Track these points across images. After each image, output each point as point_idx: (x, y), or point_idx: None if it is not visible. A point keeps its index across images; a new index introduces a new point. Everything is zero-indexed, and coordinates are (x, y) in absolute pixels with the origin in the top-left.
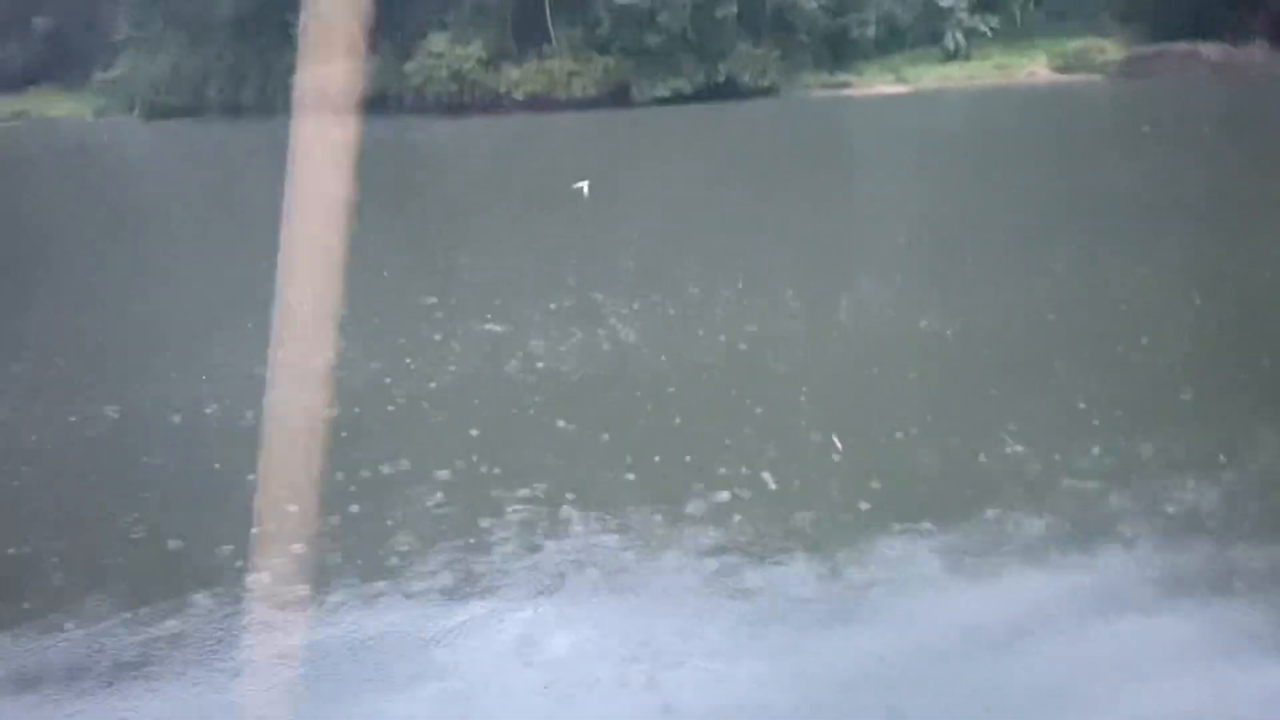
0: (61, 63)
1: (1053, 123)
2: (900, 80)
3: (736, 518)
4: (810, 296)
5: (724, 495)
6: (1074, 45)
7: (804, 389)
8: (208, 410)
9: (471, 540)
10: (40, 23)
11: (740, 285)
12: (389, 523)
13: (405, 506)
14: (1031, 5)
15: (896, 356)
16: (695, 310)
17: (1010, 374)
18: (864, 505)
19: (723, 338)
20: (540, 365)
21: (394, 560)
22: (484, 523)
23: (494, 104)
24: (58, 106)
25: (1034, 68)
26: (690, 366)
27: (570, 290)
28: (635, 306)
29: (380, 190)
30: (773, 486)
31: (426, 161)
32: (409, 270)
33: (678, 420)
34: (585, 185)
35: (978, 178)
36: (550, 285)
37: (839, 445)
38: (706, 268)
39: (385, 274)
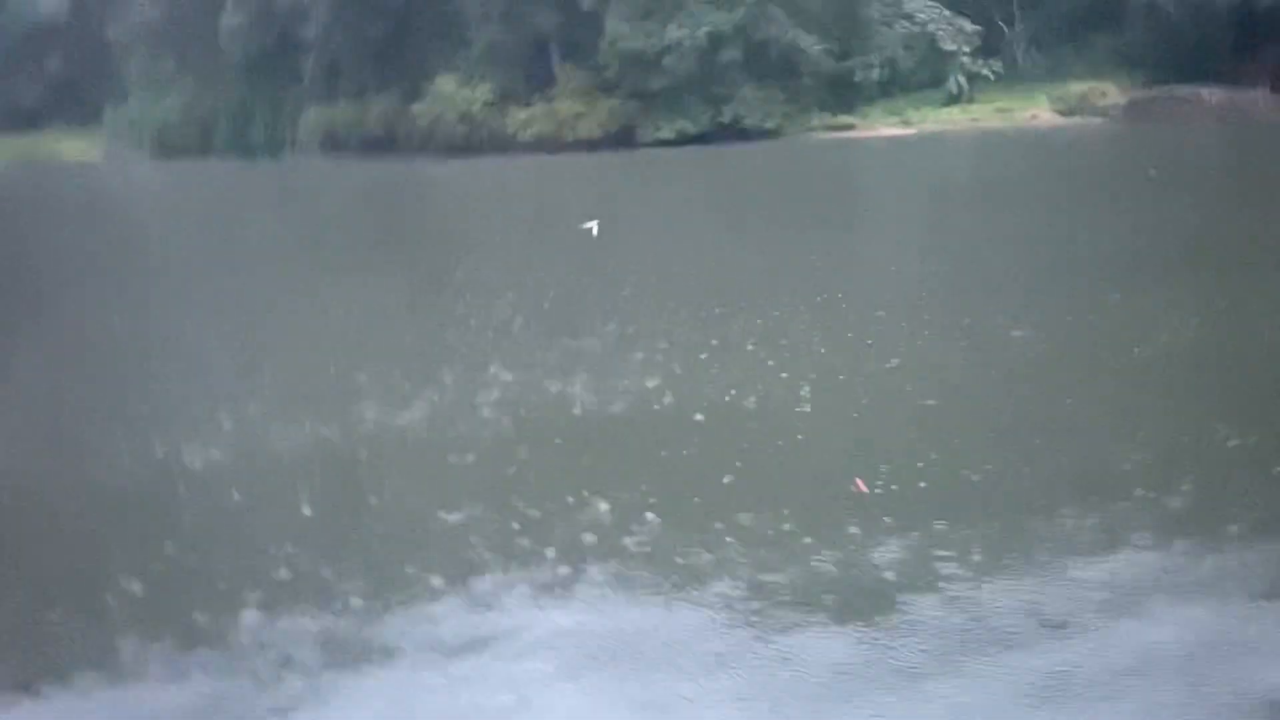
0: (72, 102)
1: (1059, 165)
2: (904, 122)
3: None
4: (835, 343)
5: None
6: (1075, 89)
7: (837, 432)
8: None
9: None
10: (53, 63)
11: (760, 324)
12: None
13: None
14: (1033, 49)
15: (924, 405)
16: (717, 352)
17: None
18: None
19: (752, 380)
20: (574, 410)
21: None
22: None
23: (501, 144)
24: (67, 145)
25: (1036, 111)
26: (723, 410)
27: (589, 330)
28: (660, 346)
29: (388, 231)
30: (806, 539)
31: (435, 201)
32: (417, 312)
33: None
34: (594, 225)
35: (988, 220)
36: (565, 327)
37: (864, 488)
38: (724, 309)
39: (405, 315)
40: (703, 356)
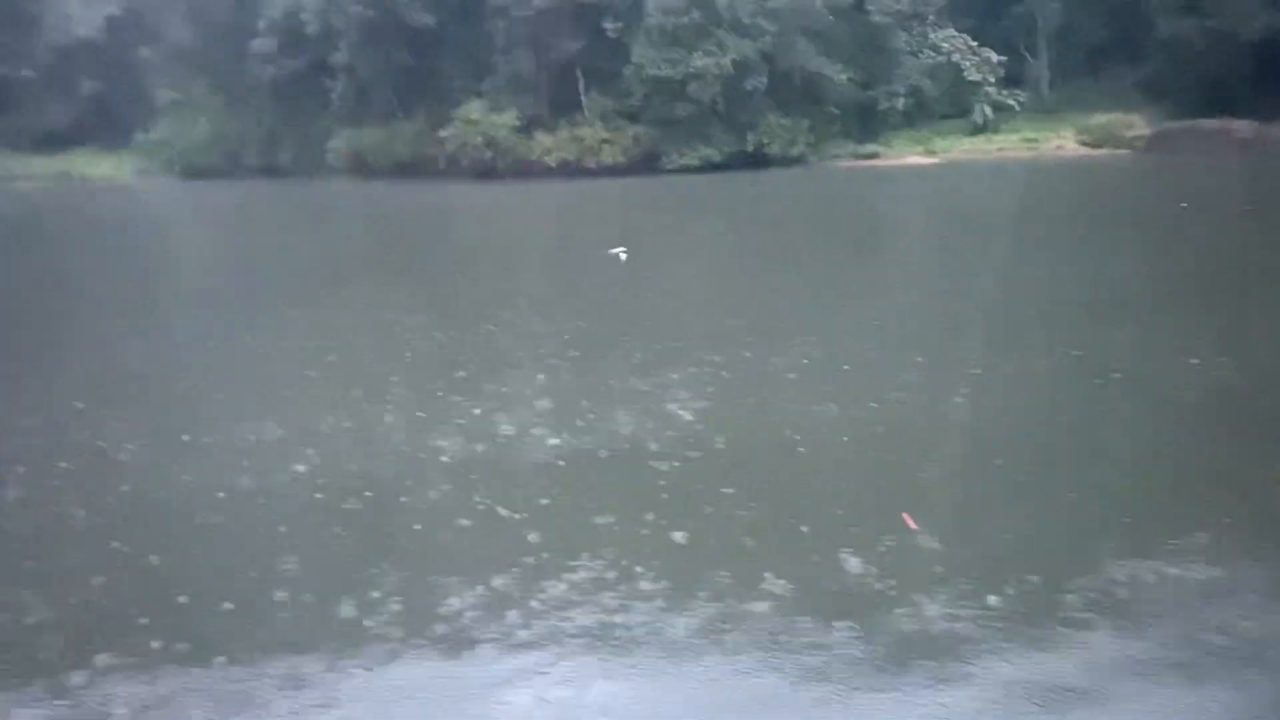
0: (104, 124)
1: (1088, 196)
2: (929, 151)
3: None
4: (883, 375)
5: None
6: (1101, 120)
7: (886, 466)
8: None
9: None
10: (87, 85)
11: (797, 353)
12: None
13: None
14: (1057, 80)
15: (959, 437)
16: (757, 381)
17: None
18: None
19: (790, 412)
20: (624, 443)
21: None
22: None
23: (526, 170)
24: (98, 166)
25: (1061, 141)
26: (764, 441)
27: (628, 356)
28: (706, 376)
29: (424, 256)
30: (856, 569)
31: (464, 225)
32: (447, 339)
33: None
34: (622, 251)
35: (1026, 249)
36: (606, 353)
37: (913, 524)
38: (758, 337)
39: (434, 342)
40: (754, 387)
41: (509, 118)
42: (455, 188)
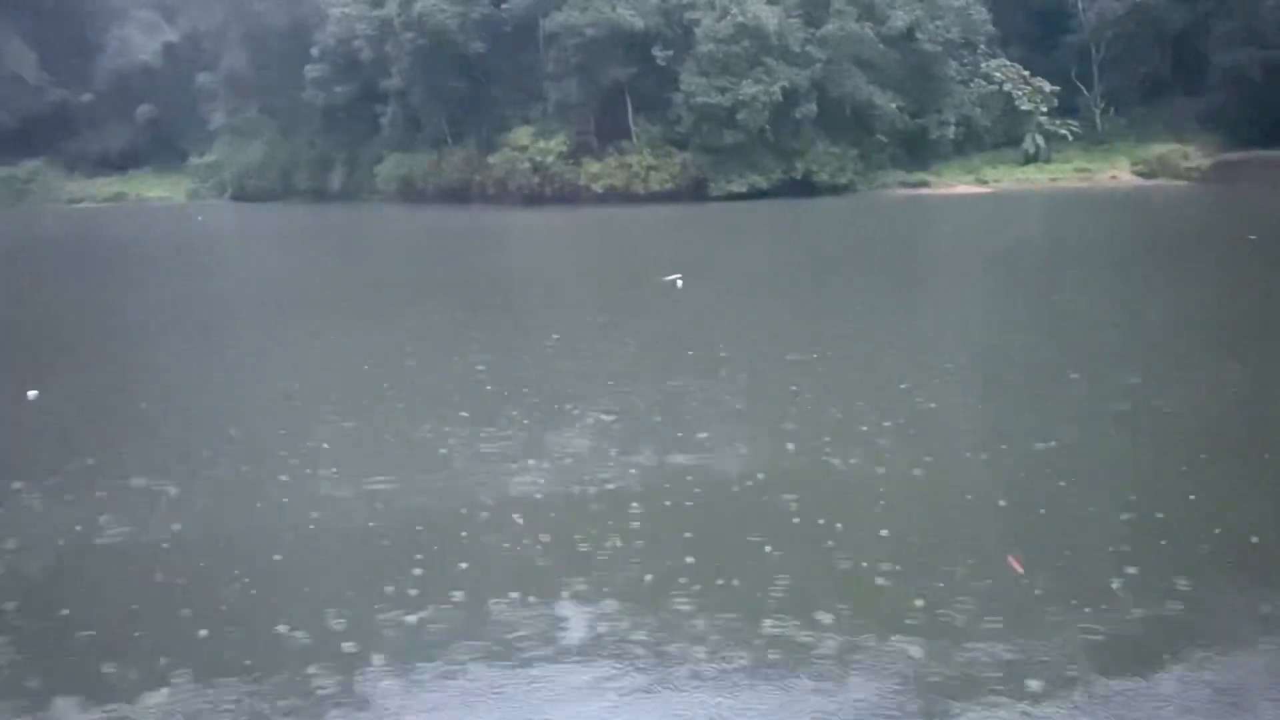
0: (160, 147)
1: (1150, 227)
2: (980, 181)
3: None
4: (958, 411)
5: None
6: (1156, 150)
7: (988, 506)
8: None
9: None
10: (144, 110)
11: (874, 385)
12: None
13: None
14: (1111, 110)
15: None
16: (841, 413)
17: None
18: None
19: (879, 447)
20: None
21: None
22: None
23: (573, 196)
24: (154, 188)
25: (1116, 171)
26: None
27: (707, 389)
28: (779, 409)
29: (469, 278)
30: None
31: (515, 250)
32: (507, 367)
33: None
34: (678, 278)
35: (1091, 283)
36: (674, 386)
37: (1019, 567)
38: (831, 367)
39: (479, 369)
40: (833, 418)
41: (557, 144)
42: (503, 213)
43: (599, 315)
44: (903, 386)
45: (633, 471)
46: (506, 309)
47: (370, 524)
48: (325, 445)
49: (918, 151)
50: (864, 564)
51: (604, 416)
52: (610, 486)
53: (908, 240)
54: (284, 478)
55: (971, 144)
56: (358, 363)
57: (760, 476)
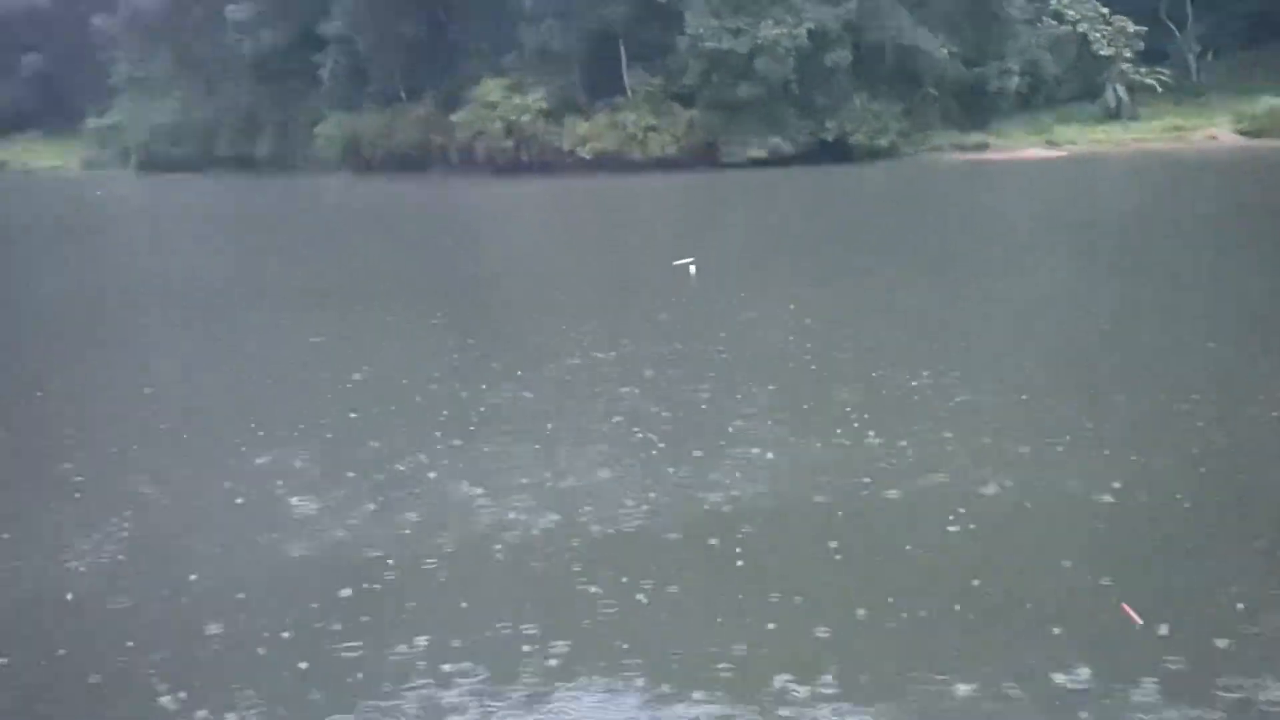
0: (50, 106)
1: (1262, 200)
2: (1050, 143)
3: None
4: (1038, 427)
5: None
6: (1264, 104)
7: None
8: None
9: None
10: (30, 61)
11: (939, 396)
12: None
13: None
14: (1210, 57)
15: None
16: (910, 431)
17: None
18: None
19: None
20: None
21: None
22: None
23: (556, 163)
24: (42, 156)
25: (1214, 130)
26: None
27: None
28: (835, 423)
29: (427, 270)
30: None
31: (485, 230)
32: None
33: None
34: (691, 264)
35: (1185, 271)
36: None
37: (1135, 616)
38: (884, 373)
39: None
40: (897, 441)
41: (536, 100)
42: (469, 184)
43: (599, 314)
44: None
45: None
46: (480, 311)
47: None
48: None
49: (975, 108)
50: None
51: (649, 437)
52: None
53: (968, 218)
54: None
55: (1040, 98)
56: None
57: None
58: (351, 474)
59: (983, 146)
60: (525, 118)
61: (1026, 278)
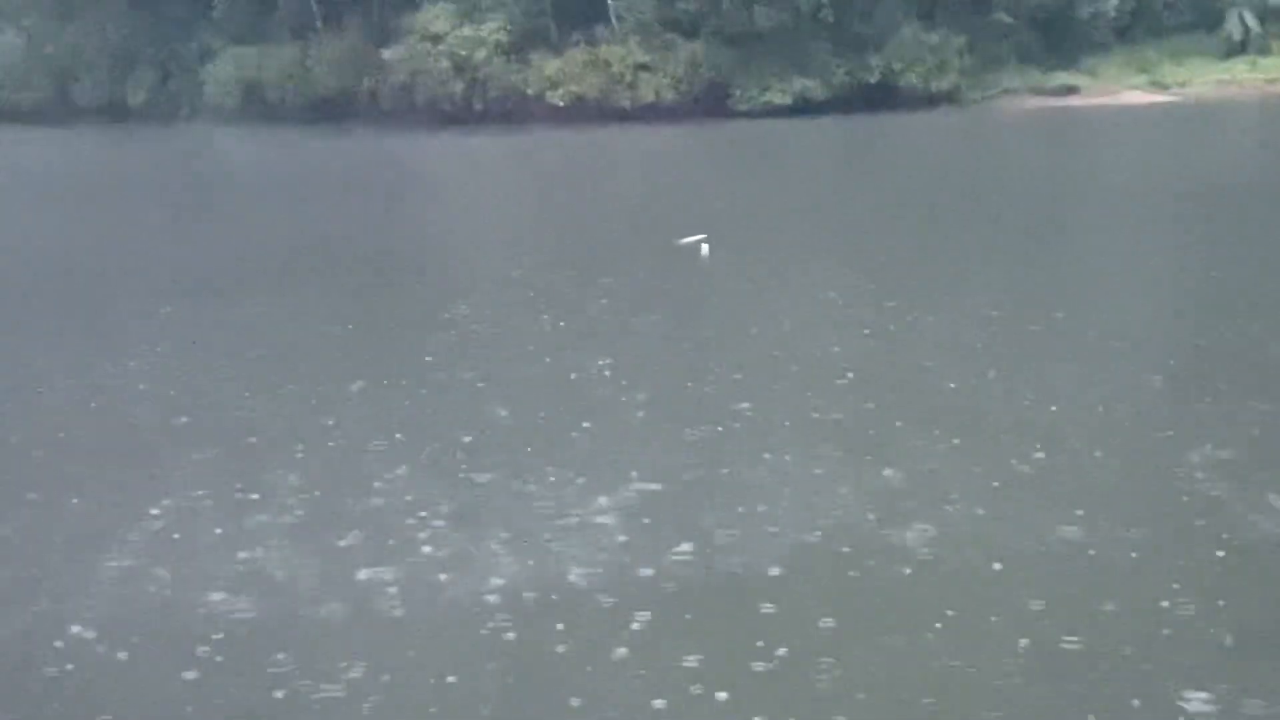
0: None
1: None
2: (1156, 84)
3: None
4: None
5: None
6: None
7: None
8: None
9: None
10: None
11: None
12: None
13: None
14: None
15: None
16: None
17: None
18: None
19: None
20: None
21: None
22: None
23: (519, 112)
24: None
25: None
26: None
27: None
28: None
29: (344, 245)
30: None
31: (419, 198)
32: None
33: None
34: (703, 242)
35: None
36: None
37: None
38: (955, 391)
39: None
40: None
41: (493, 30)
42: (407, 139)
43: (580, 313)
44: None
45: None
46: (418, 308)
47: None
48: None
49: (1060, 40)
50: None
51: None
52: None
53: (1052, 183)
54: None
55: (1144, 28)
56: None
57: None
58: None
59: (1070, 90)
60: (479, 54)
61: (1132, 270)
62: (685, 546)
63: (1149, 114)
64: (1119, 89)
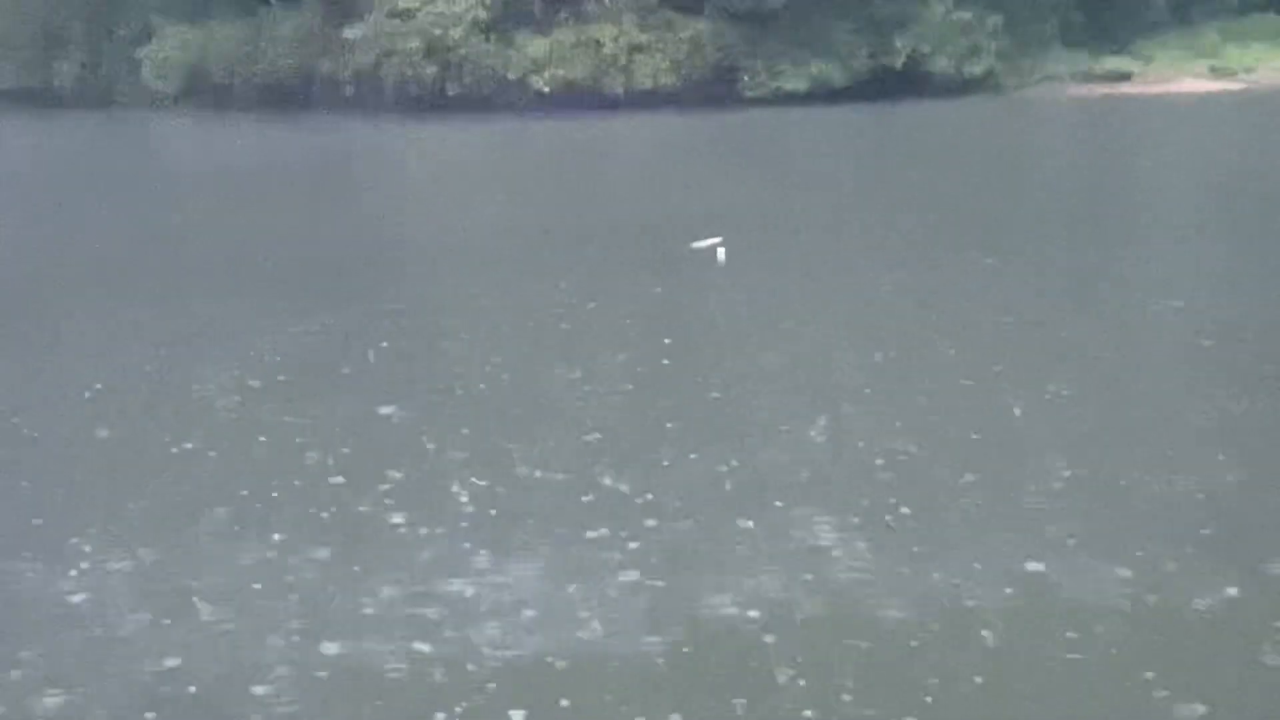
0: None
1: None
2: (1219, 71)
3: None
4: None
5: None
6: None
7: None
8: None
9: None
10: None
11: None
12: None
13: None
14: None
15: None
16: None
17: None
18: None
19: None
20: None
21: None
22: None
23: (499, 98)
24: None
25: None
26: None
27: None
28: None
29: (299, 249)
30: None
31: (385, 195)
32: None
33: None
34: (718, 245)
35: None
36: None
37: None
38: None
39: None
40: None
41: (469, 8)
42: (373, 127)
43: (585, 331)
44: None
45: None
46: (396, 332)
47: None
48: None
49: (1111, 21)
50: None
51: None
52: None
53: (1106, 183)
54: None
55: (1205, 7)
56: None
57: None
58: None
59: (1121, 76)
60: (455, 33)
61: (1202, 290)
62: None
63: (1211, 104)
64: (1177, 76)
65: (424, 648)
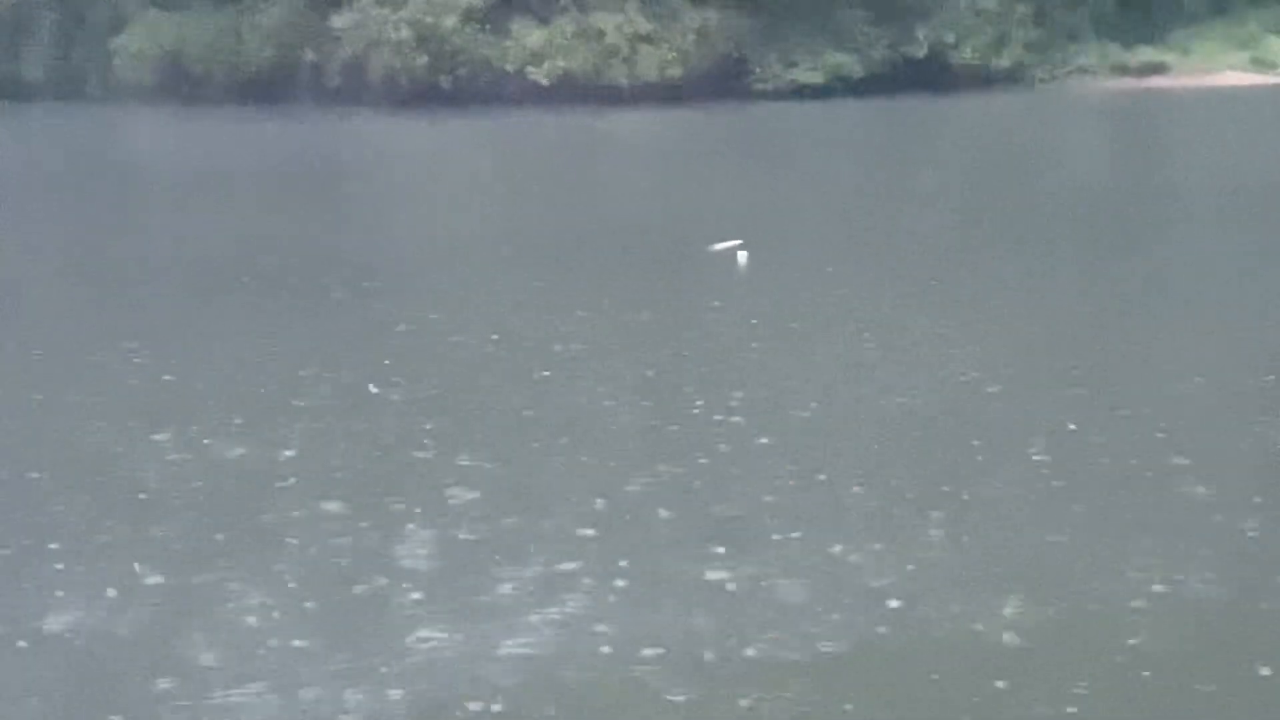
0: None
1: None
2: (1259, 63)
3: None
4: None
5: None
6: None
7: None
8: None
9: None
10: None
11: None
12: None
13: None
14: None
15: None
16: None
17: None
18: None
19: None
20: None
21: None
22: None
23: (495, 91)
24: None
25: None
26: None
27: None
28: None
29: (280, 252)
30: None
31: (372, 195)
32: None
33: None
34: (739, 248)
35: None
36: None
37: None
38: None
39: None
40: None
41: None
42: (359, 122)
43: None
44: None
45: None
46: (385, 348)
47: None
48: None
49: (1146, 10)
50: None
51: None
52: None
53: (1144, 184)
54: None
55: None
56: None
57: None
58: None
59: (1156, 69)
60: (447, 21)
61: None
62: None
63: (1251, 98)
64: (1215, 68)
65: None
